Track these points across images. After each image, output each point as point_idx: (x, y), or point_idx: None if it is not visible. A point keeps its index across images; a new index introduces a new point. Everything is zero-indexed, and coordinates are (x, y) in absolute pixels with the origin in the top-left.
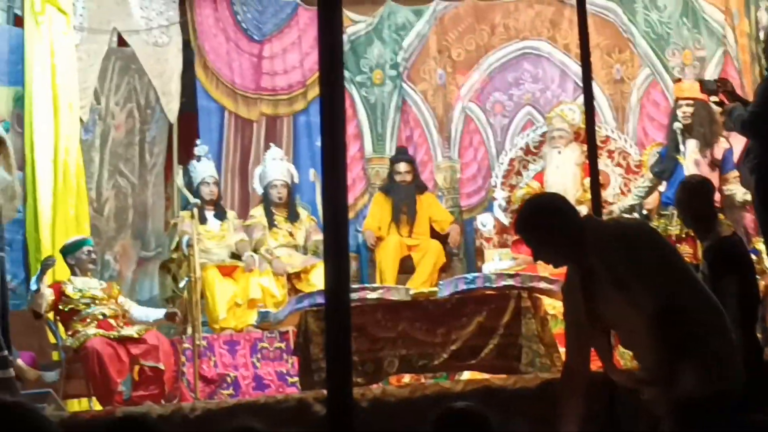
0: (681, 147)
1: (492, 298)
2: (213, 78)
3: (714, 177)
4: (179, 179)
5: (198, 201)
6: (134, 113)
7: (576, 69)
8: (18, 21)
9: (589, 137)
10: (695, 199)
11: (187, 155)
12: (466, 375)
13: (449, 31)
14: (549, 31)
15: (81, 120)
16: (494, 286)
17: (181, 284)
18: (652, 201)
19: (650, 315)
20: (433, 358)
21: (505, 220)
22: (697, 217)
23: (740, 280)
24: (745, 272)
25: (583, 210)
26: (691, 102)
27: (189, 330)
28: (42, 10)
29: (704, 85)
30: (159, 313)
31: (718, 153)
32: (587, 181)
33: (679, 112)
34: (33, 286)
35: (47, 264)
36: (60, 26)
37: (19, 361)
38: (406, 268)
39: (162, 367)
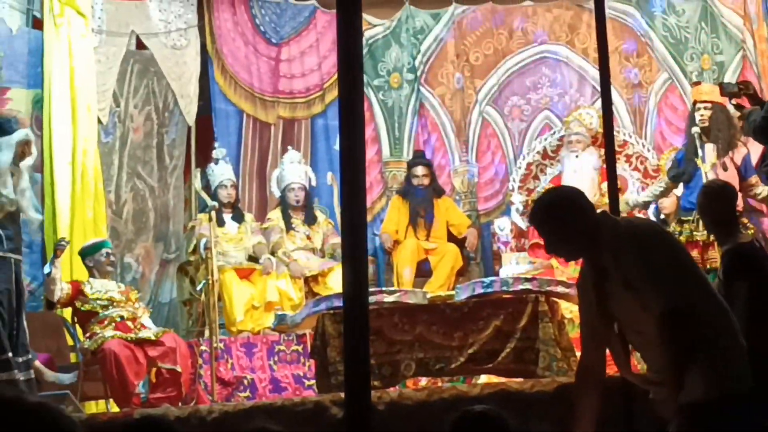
0: (699, 151)
1: (509, 302)
2: (231, 81)
3: (735, 181)
4: (197, 182)
5: (216, 204)
6: (152, 116)
7: (594, 73)
8: (37, 23)
9: (607, 141)
10: (715, 204)
11: (204, 158)
12: (483, 378)
13: (467, 35)
14: (567, 35)
15: (100, 122)
16: (511, 289)
17: (199, 287)
18: (669, 205)
19: (659, 316)
20: (450, 361)
21: (522, 224)
22: (716, 222)
23: (751, 286)
24: (758, 279)
25: None
26: (709, 105)
27: (206, 332)
28: (61, 12)
29: (724, 88)
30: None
31: (738, 158)
32: (605, 185)
33: (697, 116)
34: (46, 269)
35: (60, 246)
36: (79, 29)
37: (37, 363)
38: (423, 271)
39: (179, 370)
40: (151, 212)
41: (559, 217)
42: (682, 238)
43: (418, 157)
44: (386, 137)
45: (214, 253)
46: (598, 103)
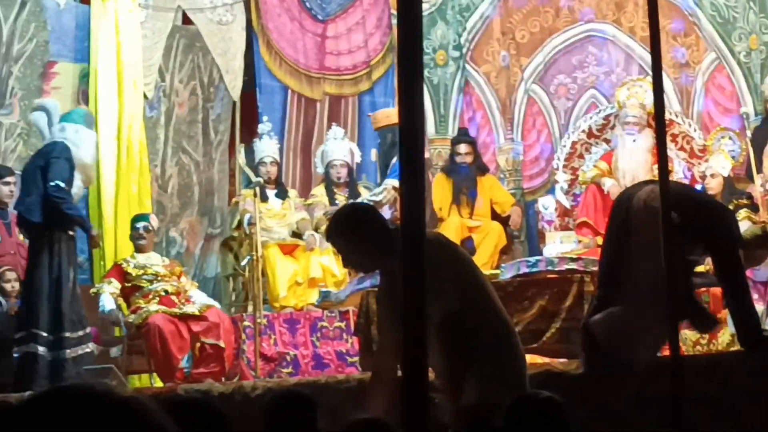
0: None
1: (554, 281)
2: (276, 57)
3: None
4: (240, 158)
5: (260, 179)
6: (197, 91)
7: (641, 52)
8: None
9: (658, 122)
10: None
11: (249, 133)
12: (527, 359)
13: (513, 12)
14: (614, 13)
15: (145, 97)
16: (557, 269)
17: (243, 262)
18: (716, 186)
19: (436, 324)
20: None
21: (567, 203)
22: None
23: None
24: None
25: None
26: None
27: (250, 308)
28: None
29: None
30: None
31: None
32: (656, 166)
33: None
34: (107, 308)
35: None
36: (125, 3)
37: None
38: (467, 249)
39: (222, 345)
40: (196, 187)
41: (352, 232)
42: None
43: (462, 135)
44: (431, 115)
45: (258, 229)
46: (630, 77)
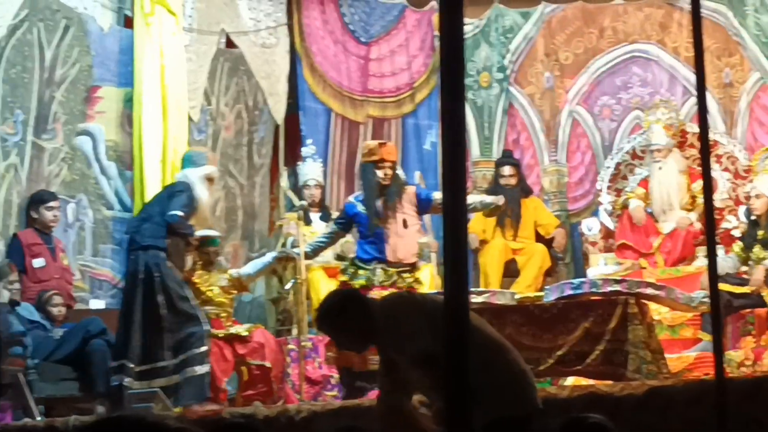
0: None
1: (599, 303)
2: (319, 80)
3: None
4: (284, 181)
5: (305, 202)
6: (243, 114)
7: (685, 72)
8: (128, 22)
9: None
10: None
11: (292, 156)
12: (570, 380)
13: (557, 34)
14: (658, 34)
15: (191, 120)
16: (601, 291)
17: (287, 286)
18: (761, 206)
19: (414, 358)
20: (539, 363)
21: (611, 225)
22: None
23: None
24: None
25: (692, 216)
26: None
27: (294, 331)
28: (152, 11)
29: None
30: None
31: None
32: (695, 186)
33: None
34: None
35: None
36: (169, 27)
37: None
38: (511, 271)
39: (269, 365)
40: (240, 210)
41: (335, 319)
42: None
43: (507, 157)
44: (476, 137)
45: (302, 252)
46: (675, 98)
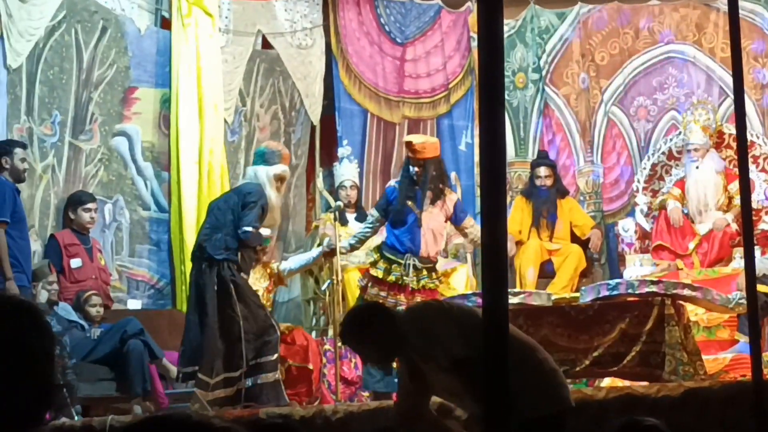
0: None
1: (635, 304)
2: (355, 80)
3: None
4: (320, 182)
5: (341, 203)
6: (279, 115)
7: (721, 73)
8: (165, 23)
9: (739, 146)
10: None
11: (328, 157)
12: (606, 381)
13: (593, 34)
14: (694, 35)
15: (226, 122)
16: (637, 292)
17: (323, 286)
18: None
19: (454, 364)
20: (575, 364)
21: (647, 226)
22: None
23: None
24: None
25: (729, 217)
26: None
27: (330, 332)
28: (188, 12)
29: None
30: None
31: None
32: (732, 186)
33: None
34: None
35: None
36: (206, 28)
37: (165, 361)
38: (546, 272)
39: (310, 367)
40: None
41: (359, 333)
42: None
43: (542, 158)
44: (511, 137)
45: (338, 253)
46: (712, 98)
